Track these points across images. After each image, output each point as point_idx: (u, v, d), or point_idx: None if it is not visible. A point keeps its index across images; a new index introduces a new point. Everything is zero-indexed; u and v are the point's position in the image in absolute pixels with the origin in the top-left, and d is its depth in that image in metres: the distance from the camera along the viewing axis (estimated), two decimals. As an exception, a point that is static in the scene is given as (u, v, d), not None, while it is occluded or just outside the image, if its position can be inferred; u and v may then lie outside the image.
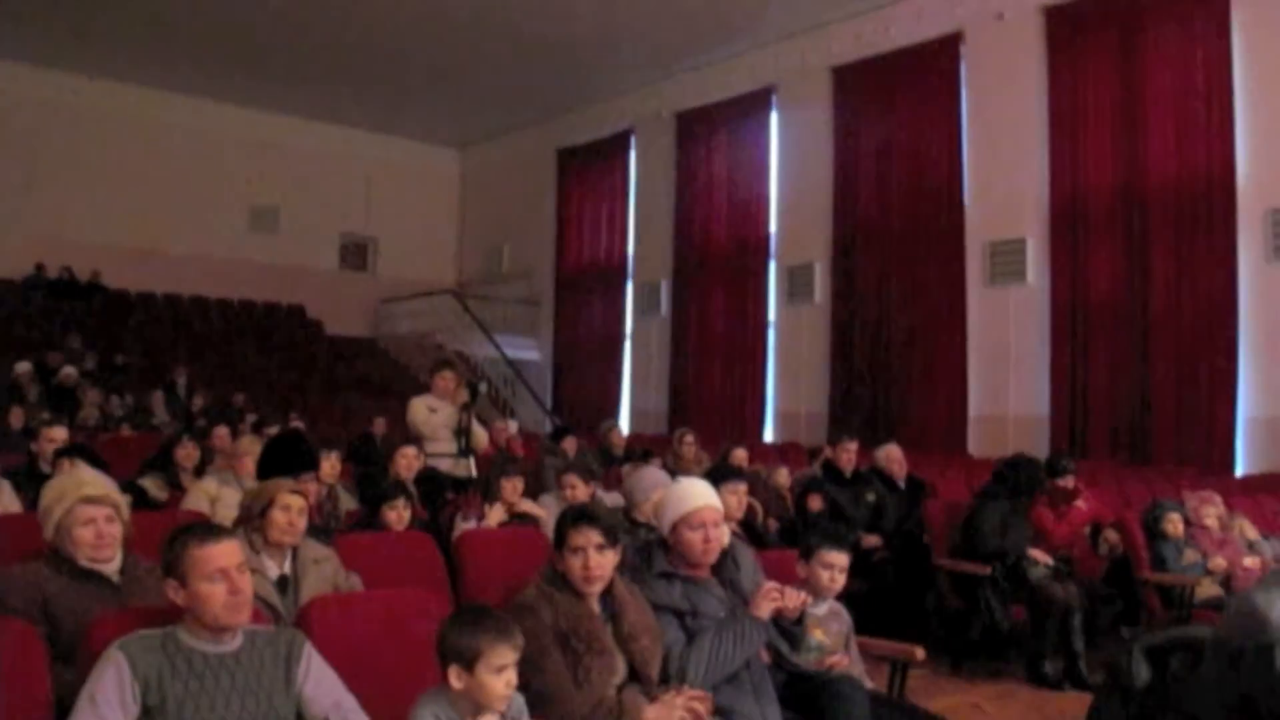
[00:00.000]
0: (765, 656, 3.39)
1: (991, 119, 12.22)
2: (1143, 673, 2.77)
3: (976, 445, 11.79)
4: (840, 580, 3.86)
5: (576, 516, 3.15)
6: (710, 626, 3.23)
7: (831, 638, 3.83)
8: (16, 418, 10.06)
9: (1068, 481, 7.11)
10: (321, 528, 5.00)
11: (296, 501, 3.74)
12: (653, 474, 4.81)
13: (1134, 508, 6.91)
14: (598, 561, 3.03)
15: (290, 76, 16.41)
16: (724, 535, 3.41)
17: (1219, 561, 5.86)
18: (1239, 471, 9.99)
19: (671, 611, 3.26)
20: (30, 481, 5.42)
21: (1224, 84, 10.34)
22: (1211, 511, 6.21)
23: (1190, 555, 6.00)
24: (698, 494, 3.43)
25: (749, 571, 3.54)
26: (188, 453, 6.99)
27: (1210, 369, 10.30)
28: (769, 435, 14.23)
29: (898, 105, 13.07)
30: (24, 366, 12.43)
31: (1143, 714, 2.58)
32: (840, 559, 3.85)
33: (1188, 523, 6.17)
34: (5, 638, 2.62)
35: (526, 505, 5.67)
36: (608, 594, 3.10)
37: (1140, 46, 10.96)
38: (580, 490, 5.67)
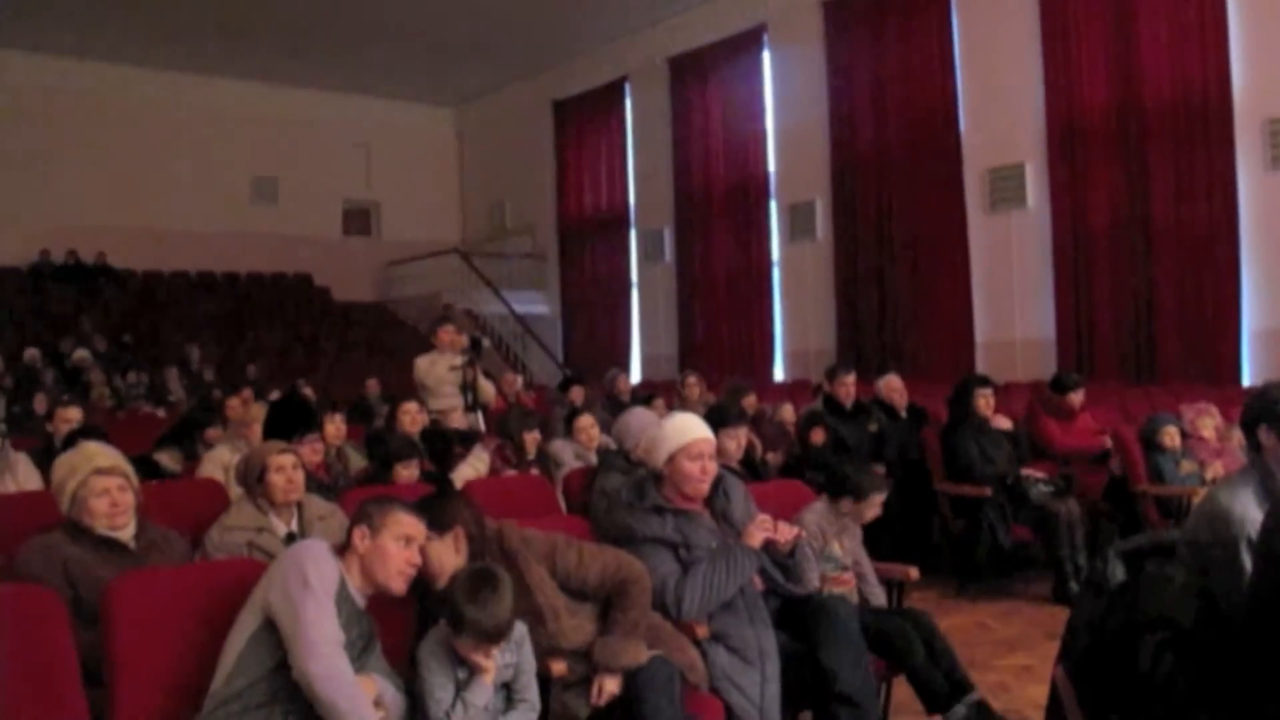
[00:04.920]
0: (759, 584, 3.50)
1: (985, 44, 12.13)
2: (1117, 573, 2.87)
3: (985, 371, 11.79)
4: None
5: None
6: (704, 557, 3.33)
7: (846, 553, 4.01)
8: (40, 403, 10.33)
9: (1076, 397, 7.23)
10: (330, 485, 5.12)
11: (288, 459, 3.84)
12: (640, 414, 4.95)
13: (1136, 424, 6.98)
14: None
15: (280, 46, 16.35)
16: (715, 467, 3.52)
17: (1215, 469, 5.91)
18: (1246, 383, 9.98)
19: (664, 543, 3.35)
20: (48, 460, 5.54)
21: (1217, -7, 10.25)
22: (1208, 422, 6.27)
23: (1187, 466, 6.06)
24: (694, 426, 3.56)
25: (740, 502, 3.64)
26: (217, 433, 7.14)
27: (1213, 283, 10.29)
28: (779, 374, 14.29)
29: (890, 36, 12.96)
30: (32, 353, 12.67)
31: (1110, 611, 2.68)
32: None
33: (1185, 435, 6.24)
34: (30, 604, 2.72)
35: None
36: None
37: (1131, -40, 10.83)
38: (595, 432, 5.91)
